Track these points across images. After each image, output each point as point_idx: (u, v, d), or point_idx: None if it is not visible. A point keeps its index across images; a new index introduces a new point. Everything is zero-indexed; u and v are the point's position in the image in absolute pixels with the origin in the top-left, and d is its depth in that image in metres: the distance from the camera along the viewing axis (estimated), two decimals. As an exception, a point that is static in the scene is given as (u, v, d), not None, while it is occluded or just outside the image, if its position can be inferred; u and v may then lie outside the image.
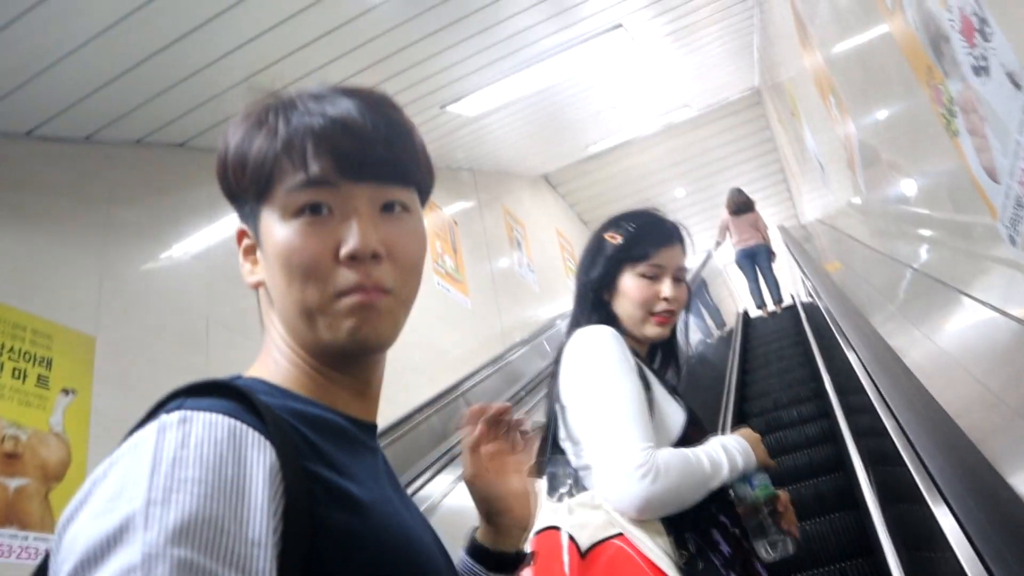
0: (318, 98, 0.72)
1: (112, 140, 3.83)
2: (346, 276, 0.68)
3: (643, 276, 1.55)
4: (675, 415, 1.47)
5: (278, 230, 0.69)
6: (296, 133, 0.69)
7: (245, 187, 0.72)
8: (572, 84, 7.16)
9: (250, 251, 0.76)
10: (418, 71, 5.07)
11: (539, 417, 1.63)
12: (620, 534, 1.28)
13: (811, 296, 6.40)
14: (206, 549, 0.48)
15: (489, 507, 0.88)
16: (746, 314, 8.63)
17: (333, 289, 0.68)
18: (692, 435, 1.45)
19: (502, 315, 7.64)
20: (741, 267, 8.53)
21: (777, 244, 8.22)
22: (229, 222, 4.70)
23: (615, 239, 1.60)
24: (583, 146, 9.43)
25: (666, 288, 1.54)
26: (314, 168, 0.68)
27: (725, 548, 1.32)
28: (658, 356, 1.69)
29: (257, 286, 0.76)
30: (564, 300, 9.91)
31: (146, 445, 0.54)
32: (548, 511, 1.35)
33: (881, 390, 1.84)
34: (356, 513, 0.62)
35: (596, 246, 1.64)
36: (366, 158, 0.70)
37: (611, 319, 1.57)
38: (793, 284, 9.08)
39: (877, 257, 3.95)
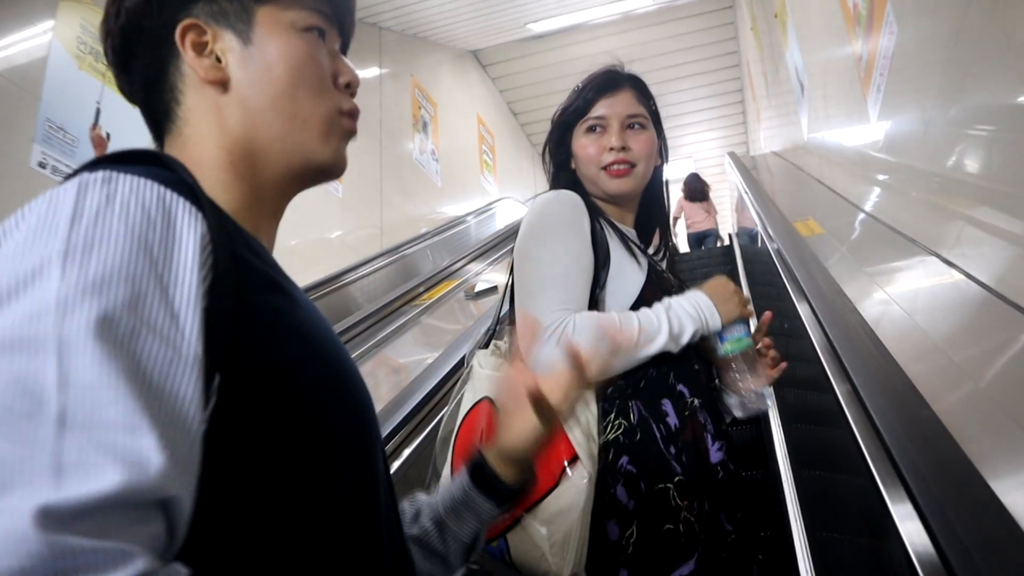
0: None
1: None
2: (347, 101, 0.76)
3: (590, 131, 1.47)
4: (633, 278, 1.36)
5: (288, 39, 0.72)
6: None
7: None
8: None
9: (201, 47, 0.71)
10: None
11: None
12: None
13: (750, 233, 5.48)
14: (128, 306, 0.45)
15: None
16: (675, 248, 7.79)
17: (338, 107, 0.74)
18: (649, 296, 1.33)
19: (384, 209, 6.30)
20: (691, 248, 8.82)
21: (722, 175, 7.58)
22: None
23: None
24: (523, 23, 8.47)
25: (612, 137, 1.44)
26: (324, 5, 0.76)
27: (672, 420, 1.26)
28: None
29: (216, 82, 0.70)
30: (474, 200, 8.67)
31: (66, 198, 0.49)
32: (494, 380, 1.34)
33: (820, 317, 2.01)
34: (285, 299, 0.60)
35: (555, 115, 1.57)
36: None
37: (576, 185, 1.49)
38: (733, 225, 8.27)
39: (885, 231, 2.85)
